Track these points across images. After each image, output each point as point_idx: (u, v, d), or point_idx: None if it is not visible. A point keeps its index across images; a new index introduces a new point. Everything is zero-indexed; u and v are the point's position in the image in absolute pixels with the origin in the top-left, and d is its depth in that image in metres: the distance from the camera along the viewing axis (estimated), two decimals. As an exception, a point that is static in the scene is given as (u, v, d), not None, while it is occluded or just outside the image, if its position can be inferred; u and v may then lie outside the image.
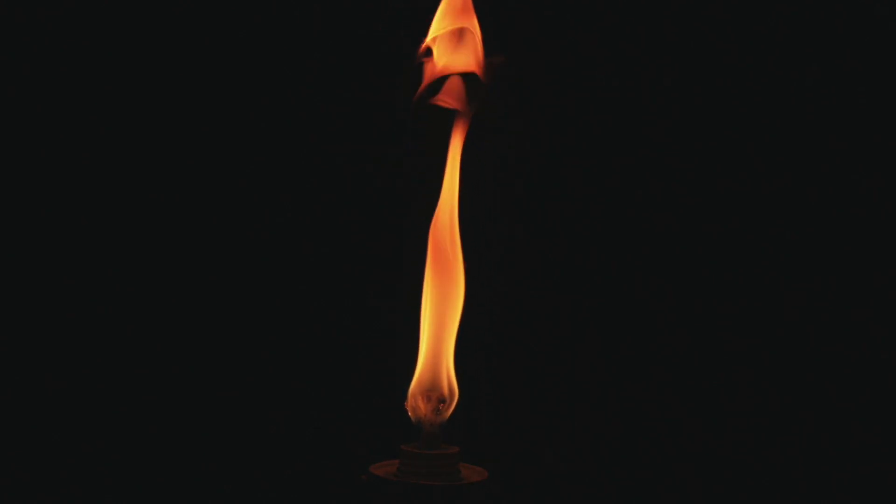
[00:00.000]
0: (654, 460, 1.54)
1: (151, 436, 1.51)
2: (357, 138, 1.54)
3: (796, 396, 1.53)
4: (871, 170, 1.51)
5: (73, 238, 1.50)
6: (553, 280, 1.55)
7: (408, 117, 1.18)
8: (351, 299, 1.55)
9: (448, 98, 1.14)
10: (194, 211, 1.53)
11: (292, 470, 1.53)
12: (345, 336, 1.55)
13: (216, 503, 1.51)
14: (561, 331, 1.55)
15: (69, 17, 1.49)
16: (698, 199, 1.53)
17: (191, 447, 1.52)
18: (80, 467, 1.49)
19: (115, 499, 1.49)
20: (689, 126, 1.53)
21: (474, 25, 1.15)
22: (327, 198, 1.54)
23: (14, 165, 1.49)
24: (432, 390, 1.10)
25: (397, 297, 1.44)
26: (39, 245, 1.50)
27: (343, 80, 1.53)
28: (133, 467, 1.50)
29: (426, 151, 1.19)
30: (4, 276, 1.49)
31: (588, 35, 1.52)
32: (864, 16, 1.50)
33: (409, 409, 1.10)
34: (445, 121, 1.15)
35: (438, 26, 1.15)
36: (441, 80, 1.14)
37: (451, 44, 1.15)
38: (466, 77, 1.14)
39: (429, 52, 1.15)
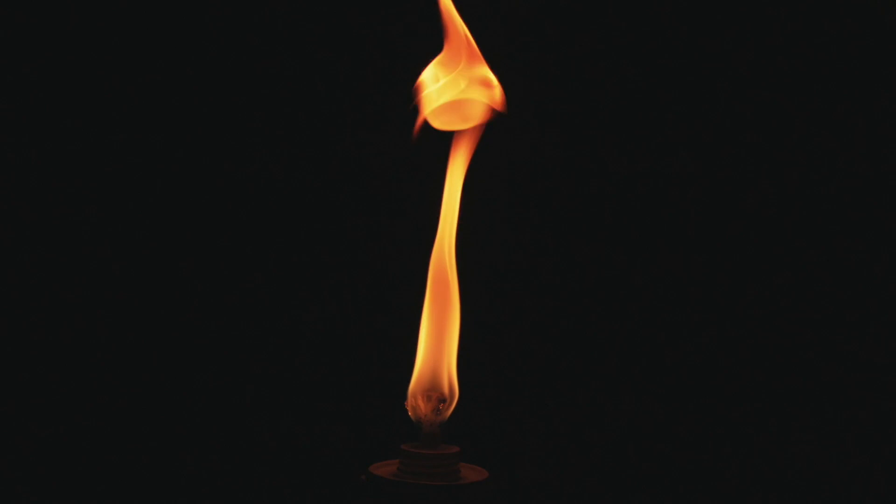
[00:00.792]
0: (654, 460, 1.54)
1: (151, 436, 1.51)
2: (357, 139, 1.54)
3: (796, 397, 1.53)
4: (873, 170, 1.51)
5: (73, 238, 1.50)
6: (553, 280, 1.55)
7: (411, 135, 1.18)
8: (351, 299, 1.55)
9: (446, 117, 1.15)
10: (195, 211, 1.53)
11: (292, 470, 1.53)
12: (345, 336, 1.55)
13: (216, 503, 1.51)
14: (561, 330, 1.55)
15: (70, 16, 1.49)
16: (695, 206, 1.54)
17: (191, 447, 1.52)
18: (80, 467, 1.49)
19: (116, 499, 1.49)
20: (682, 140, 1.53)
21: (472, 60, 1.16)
22: (327, 197, 1.54)
23: (13, 165, 1.49)
24: (432, 390, 1.10)
25: (398, 296, 1.44)
26: (39, 245, 1.50)
27: (349, 80, 1.53)
28: (133, 467, 1.50)
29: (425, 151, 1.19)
30: (4, 276, 1.49)
31: (584, 52, 1.53)
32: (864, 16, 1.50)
33: (409, 408, 1.10)
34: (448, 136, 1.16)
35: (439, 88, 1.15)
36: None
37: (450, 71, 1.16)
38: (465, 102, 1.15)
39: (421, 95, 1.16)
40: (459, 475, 1.07)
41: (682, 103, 1.53)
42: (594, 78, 1.53)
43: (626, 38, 1.53)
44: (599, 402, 1.55)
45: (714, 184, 1.53)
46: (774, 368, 1.53)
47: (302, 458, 1.53)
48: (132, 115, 1.51)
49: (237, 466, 1.52)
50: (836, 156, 1.52)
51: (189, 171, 1.53)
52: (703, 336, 1.54)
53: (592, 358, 1.55)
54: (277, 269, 1.54)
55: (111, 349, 1.51)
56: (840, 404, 1.52)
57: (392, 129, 1.52)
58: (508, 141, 1.51)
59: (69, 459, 1.49)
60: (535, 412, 1.55)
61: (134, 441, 1.51)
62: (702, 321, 1.54)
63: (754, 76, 1.52)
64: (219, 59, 1.52)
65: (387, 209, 1.54)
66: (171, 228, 1.53)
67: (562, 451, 1.55)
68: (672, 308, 1.54)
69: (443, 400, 1.10)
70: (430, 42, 1.19)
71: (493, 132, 1.17)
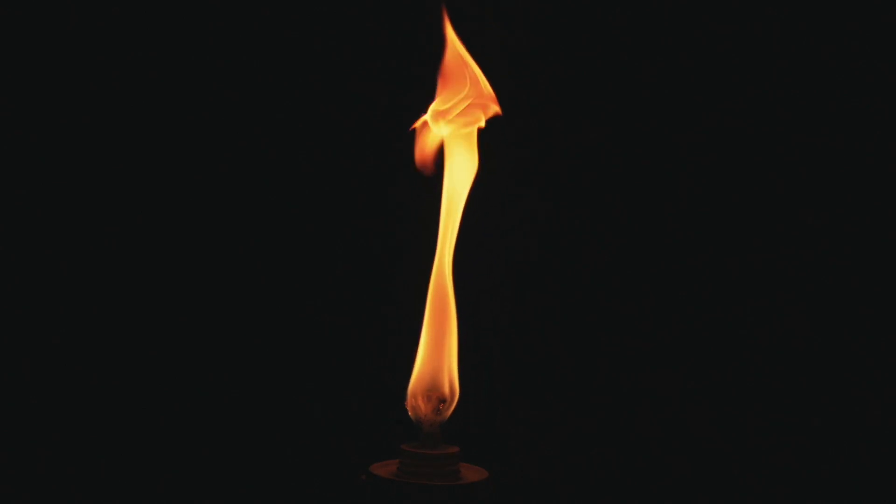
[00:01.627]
0: (655, 460, 1.54)
1: (151, 436, 1.51)
2: (357, 139, 1.54)
3: (797, 397, 1.53)
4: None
5: (73, 238, 1.50)
6: (553, 280, 1.55)
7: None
8: (351, 298, 1.55)
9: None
10: (194, 212, 1.53)
11: (292, 470, 1.53)
12: (345, 335, 1.55)
13: (216, 503, 1.51)
14: (561, 330, 1.55)
15: (69, 17, 1.49)
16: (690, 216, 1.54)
17: (191, 447, 1.52)
18: (79, 467, 1.49)
19: (116, 499, 1.49)
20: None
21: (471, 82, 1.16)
22: (327, 197, 1.54)
23: (13, 165, 1.49)
24: (433, 390, 1.10)
25: (398, 295, 1.44)
26: (39, 245, 1.50)
27: (350, 80, 1.53)
28: (133, 468, 1.50)
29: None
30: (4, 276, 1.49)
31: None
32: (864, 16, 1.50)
33: (409, 408, 1.10)
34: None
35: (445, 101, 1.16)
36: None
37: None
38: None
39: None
40: (459, 475, 1.07)
41: (682, 103, 1.53)
42: (593, 78, 1.53)
43: (626, 39, 1.53)
44: (599, 402, 1.55)
45: (714, 184, 1.53)
46: (775, 368, 1.53)
47: (302, 458, 1.53)
48: (133, 115, 1.51)
49: (237, 466, 1.52)
50: (837, 156, 1.52)
51: (188, 171, 1.53)
52: (702, 336, 1.54)
53: (592, 358, 1.55)
54: (278, 270, 1.54)
55: (111, 349, 1.51)
56: (840, 404, 1.52)
57: (393, 130, 1.52)
58: (508, 141, 1.51)
59: (69, 459, 1.49)
60: (535, 412, 1.55)
61: (134, 441, 1.51)
62: (702, 321, 1.54)
63: (756, 76, 1.52)
64: (219, 59, 1.52)
65: (387, 209, 1.54)
66: (170, 229, 1.53)
67: (562, 451, 1.55)
68: (672, 308, 1.54)
69: (443, 400, 1.10)
70: (430, 43, 1.19)
71: (490, 136, 1.17)
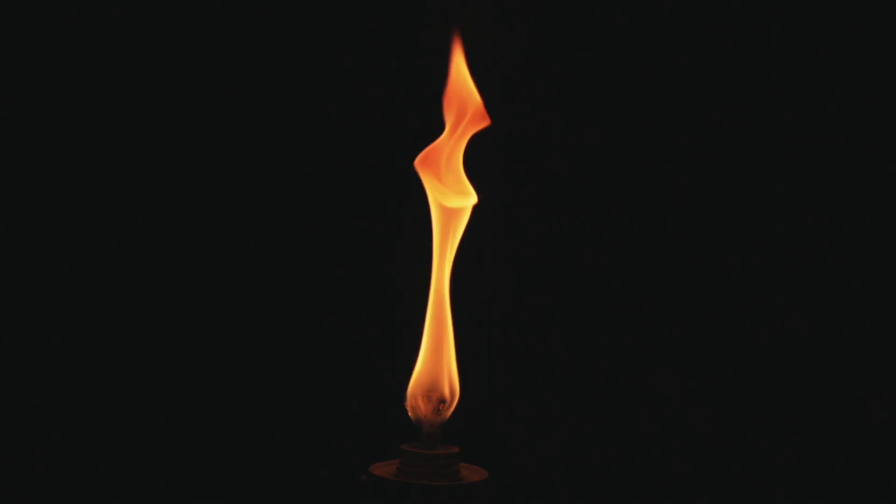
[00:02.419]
0: (654, 460, 1.54)
1: (151, 436, 1.51)
2: (357, 139, 1.54)
3: (797, 397, 1.53)
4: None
5: (73, 238, 1.50)
6: (553, 280, 1.55)
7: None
8: (351, 298, 1.55)
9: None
10: (194, 212, 1.53)
11: (292, 470, 1.53)
12: (345, 335, 1.54)
13: (216, 503, 1.51)
14: (561, 330, 1.55)
15: (69, 17, 1.49)
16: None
17: (191, 447, 1.52)
18: (80, 467, 1.49)
19: (116, 499, 1.49)
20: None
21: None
22: (327, 197, 1.54)
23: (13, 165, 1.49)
24: (432, 390, 1.10)
25: (398, 296, 1.44)
26: (39, 245, 1.50)
27: (353, 83, 1.53)
28: (133, 468, 1.50)
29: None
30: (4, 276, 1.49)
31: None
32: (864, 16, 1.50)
33: (409, 408, 1.10)
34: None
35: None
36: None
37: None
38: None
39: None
40: (459, 475, 1.07)
41: (682, 103, 1.53)
42: (590, 80, 1.53)
43: (624, 40, 1.53)
44: (599, 402, 1.55)
45: (714, 184, 1.53)
46: (775, 368, 1.53)
47: (302, 458, 1.53)
48: (133, 115, 1.51)
49: (237, 466, 1.52)
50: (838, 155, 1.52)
51: (188, 171, 1.53)
52: (702, 336, 1.54)
53: (592, 358, 1.55)
54: (278, 270, 1.54)
55: (111, 349, 1.51)
56: (840, 404, 1.52)
57: (393, 131, 1.52)
58: (508, 141, 1.51)
59: (69, 459, 1.49)
60: (535, 412, 1.55)
61: (134, 441, 1.51)
62: (702, 321, 1.54)
63: (756, 76, 1.52)
64: (219, 59, 1.52)
65: (387, 209, 1.54)
66: (170, 229, 1.53)
67: (562, 451, 1.55)
68: (672, 308, 1.54)
69: (443, 400, 1.10)
70: (431, 44, 1.19)
71: (490, 136, 1.17)
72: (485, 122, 1.16)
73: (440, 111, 1.17)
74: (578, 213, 1.55)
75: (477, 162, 1.17)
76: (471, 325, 1.16)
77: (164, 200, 1.52)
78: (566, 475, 1.55)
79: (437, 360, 1.12)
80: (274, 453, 1.53)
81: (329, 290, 1.55)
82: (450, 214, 1.13)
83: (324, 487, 1.52)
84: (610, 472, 1.54)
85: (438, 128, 1.17)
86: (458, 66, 1.17)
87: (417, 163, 1.14)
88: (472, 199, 1.14)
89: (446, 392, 1.11)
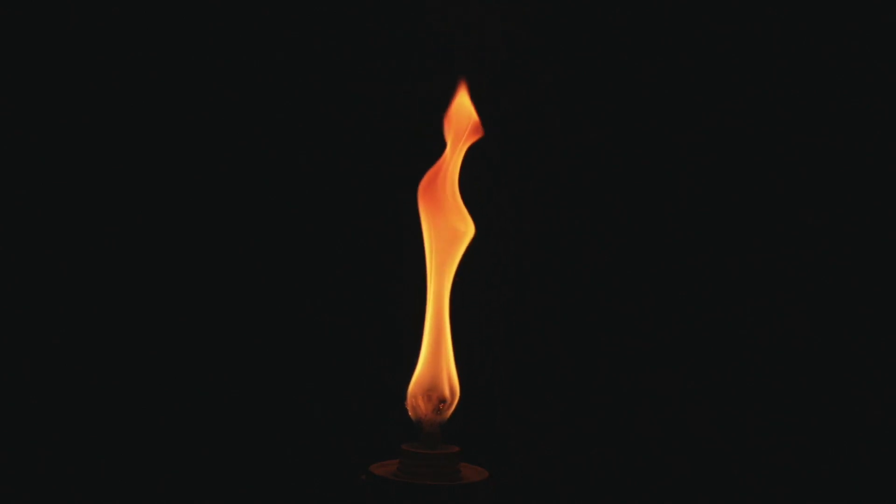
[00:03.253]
0: (654, 460, 1.54)
1: (151, 436, 1.51)
2: (358, 139, 1.54)
3: (796, 397, 1.53)
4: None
5: (73, 238, 1.50)
6: (553, 280, 1.55)
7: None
8: (351, 298, 1.55)
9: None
10: (194, 212, 1.53)
11: (292, 470, 1.53)
12: (345, 335, 1.54)
13: (216, 503, 1.51)
14: (561, 330, 1.55)
15: (69, 17, 1.49)
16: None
17: (191, 447, 1.52)
18: (79, 468, 1.49)
19: (116, 499, 1.49)
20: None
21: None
22: (327, 197, 1.54)
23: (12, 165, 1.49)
24: (433, 390, 1.10)
25: (398, 296, 1.44)
26: (39, 245, 1.50)
27: (355, 83, 1.53)
28: (133, 468, 1.50)
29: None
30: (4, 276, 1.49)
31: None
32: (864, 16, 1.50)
33: (409, 408, 1.10)
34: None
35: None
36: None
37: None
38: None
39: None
40: (459, 475, 1.07)
41: (682, 103, 1.53)
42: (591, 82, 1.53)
43: (625, 40, 1.53)
44: (599, 402, 1.55)
45: (714, 184, 1.53)
46: (775, 368, 1.53)
47: (302, 458, 1.53)
48: (133, 115, 1.51)
49: (237, 466, 1.52)
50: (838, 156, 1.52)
51: (188, 171, 1.53)
52: (702, 336, 1.54)
53: (592, 358, 1.55)
54: (278, 270, 1.54)
55: (111, 349, 1.51)
56: (840, 404, 1.52)
57: (393, 131, 1.52)
58: (508, 141, 1.51)
59: (69, 459, 1.49)
60: (535, 412, 1.55)
61: (134, 441, 1.51)
62: (702, 321, 1.54)
63: (757, 76, 1.52)
64: (219, 59, 1.52)
65: (387, 210, 1.54)
66: (170, 229, 1.53)
67: (562, 451, 1.55)
68: (672, 308, 1.54)
69: (443, 400, 1.10)
70: (433, 43, 1.19)
71: (490, 136, 1.17)
72: (478, 135, 1.17)
73: (440, 110, 1.17)
74: (578, 214, 1.55)
75: (477, 162, 1.17)
76: (471, 325, 1.15)
77: (165, 200, 1.52)
78: (566, 475, 1.54)
79: (437, 361, 1.12)
80: (274, 453, 1.53)
81: (329, 291, 1.55)
82: (452, 237, 1.13)
83: (324, 487, 1.52)
84: (610, 472, 1.54)
85: (439, 125, 1.17)
86: (462, 98, 1.18)
87: (420, 191, 1.15)
88: (471, 229, 1.14)
89: (446, 392, 1.11)
